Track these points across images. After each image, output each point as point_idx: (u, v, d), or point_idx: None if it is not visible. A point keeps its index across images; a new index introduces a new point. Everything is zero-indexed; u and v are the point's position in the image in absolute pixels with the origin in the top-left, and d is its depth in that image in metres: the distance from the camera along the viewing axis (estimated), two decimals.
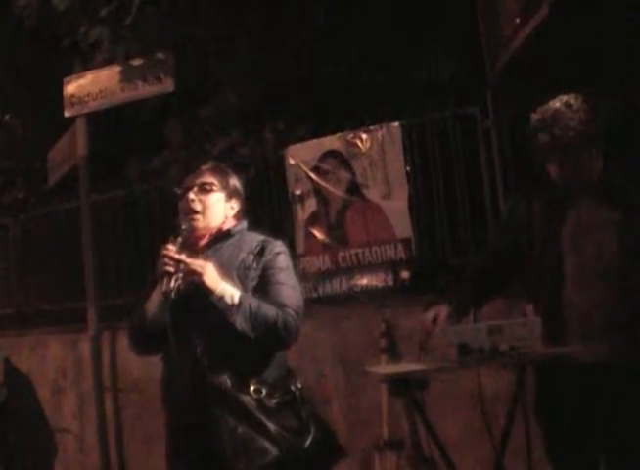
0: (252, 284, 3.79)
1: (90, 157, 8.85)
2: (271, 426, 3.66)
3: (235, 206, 4.03)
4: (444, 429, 5.05)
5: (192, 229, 3.89)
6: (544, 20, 4.86)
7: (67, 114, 9.06)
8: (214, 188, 3.96)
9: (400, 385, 4.18)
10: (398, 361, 5.86)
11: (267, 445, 3.64)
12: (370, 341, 6.50)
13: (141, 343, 4.01)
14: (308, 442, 3.73)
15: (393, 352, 6.26)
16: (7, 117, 11.87)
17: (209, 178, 3.98)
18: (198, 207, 3.91)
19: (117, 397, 8.59)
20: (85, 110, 8.91)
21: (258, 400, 3.68)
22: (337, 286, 7.08)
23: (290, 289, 3.81)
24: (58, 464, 9.14)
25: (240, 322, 3.64)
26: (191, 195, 3.93)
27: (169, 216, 8.65)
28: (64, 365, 9.20)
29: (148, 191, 8.83)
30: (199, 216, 3.91)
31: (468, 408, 5.52)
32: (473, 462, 5.52)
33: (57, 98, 9.17)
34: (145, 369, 8.12)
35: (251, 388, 3.69)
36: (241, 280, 3.77)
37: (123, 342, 8.46)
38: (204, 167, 4.08)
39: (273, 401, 3.71)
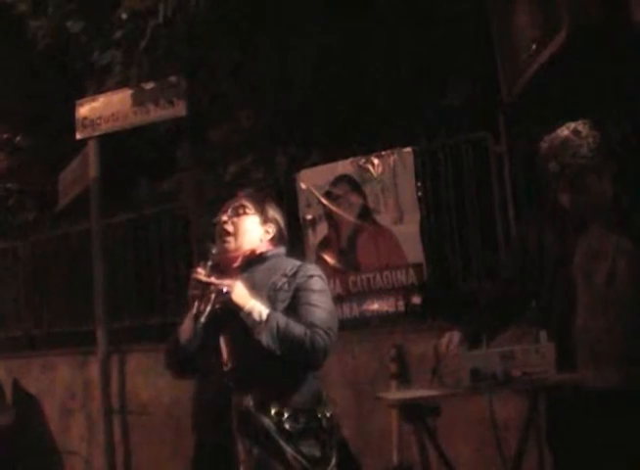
0: (283, 305, 3.76)
1: (101, 179, 8.88)
2: (288, 451, 3.62)
3: (270, 231, 4.02)
4: (455, 455, 5.02)
5: (223, 251, 3.92)
6: (562, 46, 4.84)
7: (79, 136, 9.11)
8: (248, 211, 3.98)
9: (412, 410, 4.15)
10: (409, 387, 5.84)
11: (280, 469, 3.61)
12: (380, 366, 6.48)
13: (177, 366, 4.03)
14: None
15: (404, 378, 6.25)
16: (18, 138, 11.90)
17: (244, 202, 4.02)
18: (230, 228, 3.94)
19: (126, 419, 8.57)
20: (97, 132, 8.96)
21: (278, 423, 3.65)
22: (348, 311, 7.02)
23: (321, 310, 3.76)
24: None
25: (266, 339, 3.63)
26: (224, 217, 3.97)
27: (180, 239, 8.75)
28: (72, 387, 9.19)
29: (158, 213, 8.84)
30: (231, 238, 3.93)
31: (479, 434, 5.49)
32: None
33: (69, 120, 9.21)
34: (153, 392, 8.15)
35: (273, 410, 3.66)
36: (271, 301, 3.76)
37: (132, 364, 8.48)
38: (240, 193, 4.18)
39: (296, 426, 3.66)
